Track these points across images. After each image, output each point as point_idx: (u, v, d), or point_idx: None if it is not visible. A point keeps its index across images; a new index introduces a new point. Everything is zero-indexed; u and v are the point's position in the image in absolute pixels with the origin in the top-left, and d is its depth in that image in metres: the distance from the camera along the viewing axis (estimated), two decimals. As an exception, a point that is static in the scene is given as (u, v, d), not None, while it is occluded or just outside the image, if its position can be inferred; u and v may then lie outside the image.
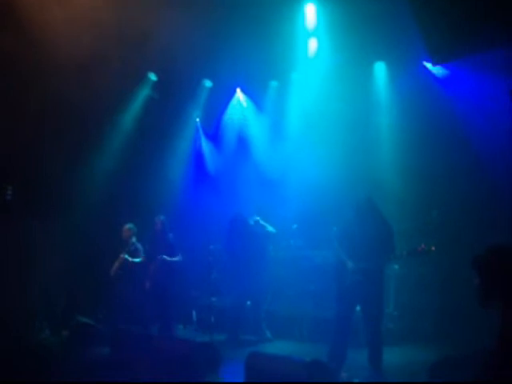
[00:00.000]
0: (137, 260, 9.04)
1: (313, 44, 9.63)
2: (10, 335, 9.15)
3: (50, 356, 8.27)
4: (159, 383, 5.72)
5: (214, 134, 12.05)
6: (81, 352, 7.73)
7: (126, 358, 6.84)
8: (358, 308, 6.49)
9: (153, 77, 10.68)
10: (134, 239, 9.18)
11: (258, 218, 8.96)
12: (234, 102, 11.65)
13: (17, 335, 9.19)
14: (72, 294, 9.89)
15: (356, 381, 5.76)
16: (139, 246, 9.18)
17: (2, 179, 9.65)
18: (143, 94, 10.76)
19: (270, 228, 9.02)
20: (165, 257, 8.87)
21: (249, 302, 9.05)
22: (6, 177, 9.61)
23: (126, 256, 9.01)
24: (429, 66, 8.91)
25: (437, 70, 8.88)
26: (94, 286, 9.85)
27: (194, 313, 10.20)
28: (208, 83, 11.15)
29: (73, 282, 10.01)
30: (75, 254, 10.02)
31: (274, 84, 10.89)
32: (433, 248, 5.99)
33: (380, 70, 9.60)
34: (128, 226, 9.22)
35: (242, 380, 5.41)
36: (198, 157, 12.09)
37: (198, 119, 11.99)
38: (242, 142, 11.51)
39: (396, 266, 8.26)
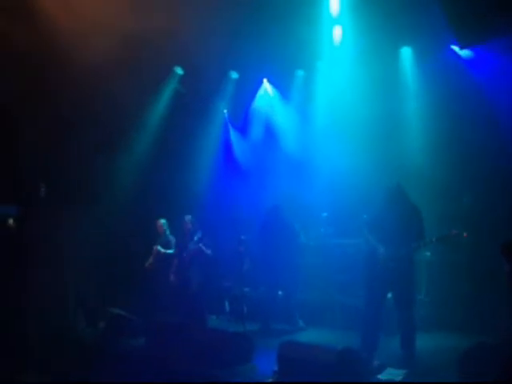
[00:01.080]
0: (170, 251, 9.23)
1: (338, 31, 9.56)
2: (46, 328, 9.38)
3: (88, 347, 8.47)
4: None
5: (242, 125, 12.08)
6: (116, 343, 7.89)
7: (160, 348, 6.97)
8: (389, 295, 6.49)
9: (179, 71, 10.74)
10: (167, 232, 9.40)
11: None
12: (260, 92, 11.65)
13: (53, 327, 9.41)
14: (105, 285, 10.07)
15: (389, 368, 5.76)
16: (172, 238, 9.38)
17: (36, 176, 9.86)
18: (170, 88, 10.84)
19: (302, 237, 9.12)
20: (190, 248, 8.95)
21: (280, 292, 9.09)
22: (38, 173, 9.82)
23: (159, 247, 9.22)
24: (456, 49, 8.77)
25: (464, 53, 8.73)
26: (128, 277, 10.02)
27: (226, 303, 10.29)
28: (234, 75, 11.16)
29: (106, 274, 10.19)
30: (107, 247, 10.19)
31: (300, 73, 10.86)
32: (465, 234, 5.96)
33: (406, 55, 9.49)
34: (161, 221, 9.46)
35: (275, 368, 5.48)
36: (227, 148, 12.16)
37: (225, 111, 12.04)
38: (270, 132, 11.52)
39: (428, 253, 8.20)
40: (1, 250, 9.11)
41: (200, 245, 8.96)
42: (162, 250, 9.24)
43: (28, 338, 9.23)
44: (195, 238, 8.97)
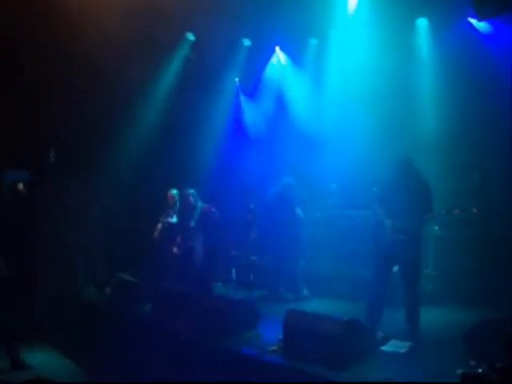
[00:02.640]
0: (174, 220, 9.20)
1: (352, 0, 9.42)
2: (54, 291, 9.51)
3: (95, 311, 8.59)
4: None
5: (253, 93, 11.99)
6: (123, 308, 7.99)
7: (166, 315, 7.05)
8: (395, 268, 6.50)
9: (191, 37, 10.63)
10: (177, 204, 9.32)
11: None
12: (273, 60, 11.54)
13: (61, 291, 9.54)
14: (114, 251, 10.16)
15: (393, 340, 5.80)
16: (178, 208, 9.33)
17: (46, 142, 9.89)
18: (181, 54, 10.75)
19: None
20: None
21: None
22: (48, 139, 9.84)
23: (166, 219, 9.22)
24: (473, 21, 8.60)
25: (482, 25, 8.56)
26: (136, 244, 10.09)
27: (233, 271, 10.36)
28: (247, 42, 11.05)
29: (114, 240, 10.27)
30: (116, 214, 10.25)
31: (313, 42, 10.73)
32: (474, 210, 5.92)
33: (422, 26, 9.32)
34: (173, 191, 9.35)
35: (280, 336, 5.53)
36: (238, 116, 12.10)
37: (237, 79, 11.95)
38: (282, 101, 11.44)
39: (436, 227, 8.19)
40: (11, 215, 9.16)
41: (210, 207, 8.92)
42: (170, 220, 9.23)
43: (38, 302, 9.39)
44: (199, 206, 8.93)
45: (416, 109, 9.05)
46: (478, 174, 8.32)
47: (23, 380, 2.06)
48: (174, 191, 9.38)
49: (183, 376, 6.13)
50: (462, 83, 8.36)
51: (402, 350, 5.52)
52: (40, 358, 7.63)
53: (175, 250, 9.09)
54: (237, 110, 12.06)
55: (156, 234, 9.48)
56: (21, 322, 7.38)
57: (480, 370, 2.74)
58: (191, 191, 9.06)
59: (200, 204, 8.93)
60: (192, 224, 8.95)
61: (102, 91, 9.23)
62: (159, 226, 9.42)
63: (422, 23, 9.32)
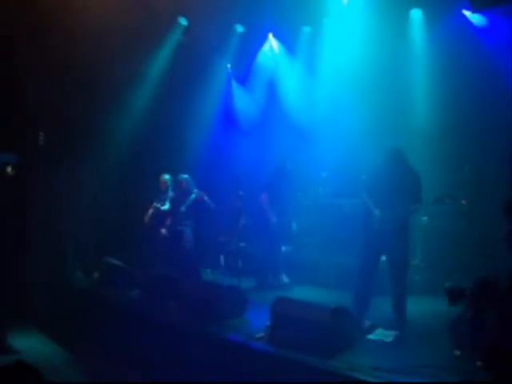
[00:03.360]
0: (166, 207, 9.18)
1: (347, -12, 9.39)
2: (43, 277, 9.48)
3: (83, 296, 8.58)
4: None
5: (245, 79, 11.95)
6: (111, 293, 7.99)
7: (154, 300, 7.05)
8: (383, 257, 6.53)
9: (183, 21, 10.55)
10: (170, 189, 9.28)
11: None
12: (265, 47, 11.49)
13: (50, 277, 9.51)
14: (103, 237, 10.12)
15: (379, 329, 5.84)
16: (171, 194, 9.29)
17: (35, 125, 9.81)
18: (173, 39, 10.66)
19: None
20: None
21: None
22: (38, 123, 9.76)
23: (158, 205, 9.18)
24: (467, 13, 8.60)
25: (475, 18, 8.57)
26: (125, 230, 10.07)
27: (221, 257, 10.37)
28: (240, 28, 10.98)
29: (103, 225, 10.23)
30: (105, 198, 10.21)
31: (306, 29, 10.69)
32: (463, 202, 5.95)
33: (416, 16, 9.32)
34: (166, 176, 9.31)
35: (267, 323, 5.55)
36: (229, 103, 12.06)
37: (229, 65, 11.89)
38: (274, 88, 11.41)
39: (425, 218, 8.23)
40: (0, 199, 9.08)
41: (203, 195, 8.90)
42: (161, 208, 9.20)
43: (26, 286, 9.35)
44: (194, 192, 8.90)
45: (408, 99, 9.08)
46: (470, 166, 8.36)
47: (5, 364, 2.05)
48: (167, 176, 9.34)
49: (170, 361, 6.16)
50: (455, 75, 8.39)
51: (389, 339, 5.56)
52: (28, 343, 7.62)
53: (163, 231, 9.08)
54: (228, 97, 12.01)
55: (146, 219, 9.47)
56: (9, 308, 7.36)
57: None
58: (185, 176, 9.04)
59: (195, 190, 8.91)
60: (183, 209, 8.93)
61: (92, 78, 9.13)
62: (150, 211, 9.40)
63: (416, 14, 9.32)
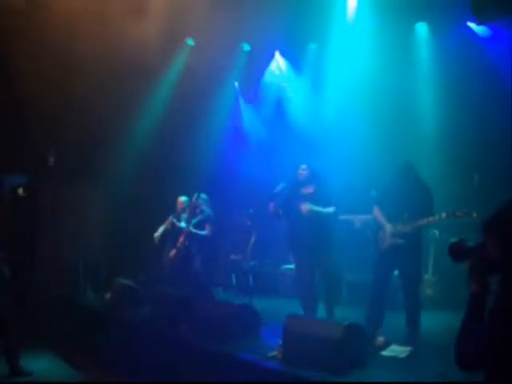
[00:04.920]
0: (182, 225, 9.13)
1: (352, 4, 9.43)
2: (54, 297, 9.50)
3: (94, 315, 8.58)
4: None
5: (253, 97, 12.01)
6: (122, 313, 7.98)
7: (167, 320, 7.04)
8: (396, 273, 6.49)
9: (191, 42, 10.65)
10: (186, 211, 9.20)
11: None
12: (272, 65, 11.56)
13: (61, 297, 9.54)
14: (114, 256, 10.14)
15: (393, 345, 5.78)
16: (186, 215, 9.24)
17: (45, 146, 9.90)
18: (181, 59, 10.75)
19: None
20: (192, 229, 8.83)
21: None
22: (47, 143, 9.85)
23: (174, 220, 9.09)
24: (472, 25, 8.61)
25: (481, 30, 8.58)
26: (137, 249, 10.08)
27: (233, 276, 10.36)
28: (246, 47, 11.06)
29: (115, 245, 10.26)
30: (117, 219, 10.25)
31: (312, 46, 10.74)
32: (474, 214, 5.89)
33: (422, 30, 9.35)
34: (183, 198, 9.25)
35: (280, 341, 5.51)
36: (237, 120, 12.11)
37: (236, 83, 11.96)
38: (281, 105, 11.46)
39: (436, 232, 8.17)
40: (11, 219, 9.15)
41: (190, 228, 8.75)
42: (177, 223, 9.12)
43: (38, 306, 9.38)
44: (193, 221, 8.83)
45: (416, 112, 9.06)
46: (479, 177, 8.31)
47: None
48: (184, 198, 9.27)
49: (182, 381, 6.12)
50: (461, 87, 8.38)
51: (402, 355, 5.50)
52: (40, 365, 7.61)
53: (172, 253, 9.00)
54: (236, 115, 12.07)
55: (156, 236, 9.40)
56: (21, 327, 7.37)
57: (470, 243, 2.71)
58: (203, 196, 8.95)
59: (207, 211, 8.85)
60: (191, 227, 8.87)
61: (100, 97, 9.21)
62: (161, 228, 9.32)
63: (422, 27, 9.34)
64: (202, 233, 8.73)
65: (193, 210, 8.87)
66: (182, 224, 9.03)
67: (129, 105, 10.04)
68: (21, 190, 10.57)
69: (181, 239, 8.86)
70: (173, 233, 9.20)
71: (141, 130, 10.42)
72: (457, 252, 2.74)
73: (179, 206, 9.24)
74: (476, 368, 2.53)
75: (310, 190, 7.11)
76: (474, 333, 2.47)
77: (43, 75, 8.62)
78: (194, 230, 8.68)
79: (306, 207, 6.88)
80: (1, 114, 9.14)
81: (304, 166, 7.22)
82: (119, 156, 10.15)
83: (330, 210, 7.04)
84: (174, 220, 9.10)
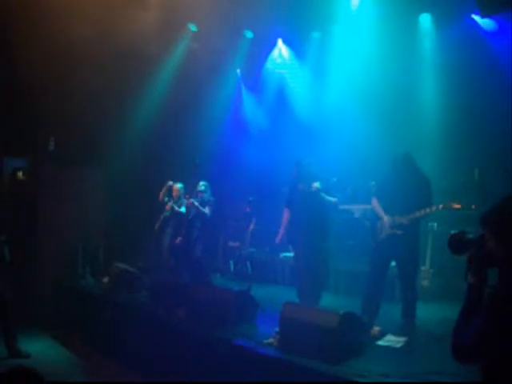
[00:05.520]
0: (182, 209, 9.16)
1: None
2: (53, 280, 9.54)
3: (92, 299, 8.61)
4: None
5: (255, 85, 11.99)
6: (120, 297, 8.01)
7: (165, 305, 7.07)
8: (393, 263, 6.52)
9: (193, 28, 10.62)
10: (183, 197, 9.27)
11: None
12: (275, 53, 11.53)
13: (60, 281, 9.58)
14: (113, 241, 10.17)
15: (389, 335, 5.83)
16: (185, 201, 9.28)
17: (45, 131, 9.89)
18: (183, 44, 10.72)
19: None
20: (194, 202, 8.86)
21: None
22: (48, 128, 9.85)
23: (174, 205, 9.16)
24: (477, 18, 8.57)
25: (485, 23, 8.54)
26: (136, 234, 10.11)
27: (231, 263, 10.40)
28: (249, 34, 11.02)
29: (114, 230, 10.29)
30: (116, 204, 10.26)
31: (315, 35, 10.70)
32: (473, 207, 5.91)
33: (425, 22, 9.31)
34: (178, 185, 9.33)
35: (276, 329, 5.55)
36: (238, 108, 12.10)
37: (238, 71, 11.94)
38: (283, 93, 11.44)
39: (434, 224, 8.19)
40: (11, 203, 9.16)
41: (193, 201, 8.80)
42: (176, 208, 9.18)
43: (37, 289, 9.42)
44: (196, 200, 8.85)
45: (417, 104, 9.05)
46: (479, 171, 8.32)
47: (6, 369, 2.05)
48: (180, 185, 9.34)
49: (178, 365, 6.17)
50: (464, 80, 8.36)
51: (398, 345, 5.54)
52: (38, 347, 7.68)
53: (178, 240, 9.05)
54: (238, 102, 12.05)
55: (157, 225, 9.47)
56: (19, 309, 7.43)
57: (471, 236, 2.73)
58: (202, 183, 8.98)
59: (207, 194, 8.89)
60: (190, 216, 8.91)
61: (102, 83, 9.19)
62: (161, 216, 9.40)
63: (425, 18, 9.30)
64: (204, 210, 8.79)
65: (195, 194, 8.92)
66: (183, 209, 9.08)
67: (130, 90, 10.03)
68: (20, 174, 10.57)
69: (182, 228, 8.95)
70: (173, 219, 9.26)
71: (142, 115, 10.40)
72: (457, 244, 2.76)
73: (175, 194, 9.32)
74: (472, 360, 2.55)
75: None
76: (470, 324, 2.49)
77: (45, 60, 8.62)
78: (196, 203, 8.76)
79: (315, 185, 7.15)
80: (3, 98, 9.14)
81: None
82: (120, 142, 10.15)
83: (333, 199, 7.35)
84: (174, 205, 9.15)
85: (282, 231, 7.55)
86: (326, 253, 7.32)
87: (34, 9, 8.22)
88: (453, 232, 2.83)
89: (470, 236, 2.72)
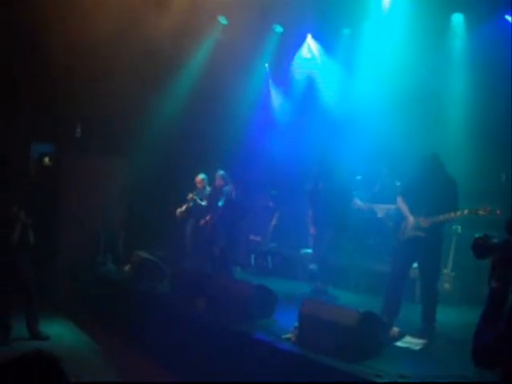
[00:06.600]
0: (203, 203, 9.21)
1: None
2: (73, 266, 9.67)
3: (114, 288, 8.71)
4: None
5: (283, 80, 11.96)
6: (142, 287, 8.09)
7: (185, 295, 7.12)
8: (415, 264, 6.48)
9: (223, 20, 10.62)
10: (207, 188, 9.32)
11: None
12: (304, 48, 11.48)
13: (82, 267, 9.69)
14: (135, 230, 10.26)
15: (407, 336, 5.80)
16: (208, 191, 9.33)
17: (73, 118, 10.00)
18: (213, 37, 10.74)
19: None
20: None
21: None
22: (76, 116, 9.96)
23: (196, 197, 9.21)
24: (510, 19, 8.44)
25: (520, 23, 8.41)
26: (158, 223, 10.18)
27: (252, 256, 10.41)
28: (279, 28, 10.99)
29: (136, 218, 10.37)
30: (139, 192, 10.34)
31: (345, 31, 10.63)
32: (498, 211, 5.84)
33: (458, 21, 9.18)
34: (202, 176, 9.35)
35: (295, 324, 5.55)
36: (266, 102, 12.08)
37: (266, 65, 11.92)
38: (311, 89, 11.39)
39: (458, 227, 8.10)
40: (36, 188, 9.31)
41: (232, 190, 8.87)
42: (198, 200, 9.24)
43: (58, 273, 9.56)
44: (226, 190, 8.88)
45: (446, 105, 8.94)
46: (506, 174, 8.20)
47: (24, 352, 2.09)
48: (202, 175, 9.36)
49: (195, 357, 6.21)
50: (495, 81, 8.23)
51: (416, 347, 5.51)
52: (57, 330, 7.80)
53: (202, 222, 9.09)
54: (265, 97, 12.04)
55: (178, 212, 9.50)
56: (41, 293, 7.55)
57: (495, 240, 2.70)
58: (222, 173, 9.02)
59: (227, 187, 8.91)
60: (220, 204, 8.93)
61: (129, 75, 9.26)
62: (184, 206, 9.44)
63: (458, 18, 9.18)
64: (202, 203, 9.16)
65: (218, 190, 8.96)
66: (203, 203, 9.14)
67: (158, 80, 10.09)
68: (47, 159, 10.71)
69: (207, 217, 8.99)
70: (196, 211, 9.31)
71: (168, 105, 10.46)
72: (480, 248, 2.73)
73: (199, 185, 9.33)
74: (492, 364, 2.53)
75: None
76: (491, 329, 2.47)
77: (74, 51, 8.73)
78: (196, 198, 9.17)
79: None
80: (34, 86, 9.27)
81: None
82: (144, 132, 10.22)
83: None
84: (196, 197, 9.19)
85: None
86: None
87: (65, 8, 8.34)
88: (477, 235, 2.79)
89: (495, 240, 2.68)
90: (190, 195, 9.29)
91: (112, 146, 10.22)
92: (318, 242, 8.24)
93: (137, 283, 8.27)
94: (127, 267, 8.90)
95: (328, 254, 8.10)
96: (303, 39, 11.33)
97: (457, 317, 6.89)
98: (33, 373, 2.03)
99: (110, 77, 9.25)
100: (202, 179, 9.37)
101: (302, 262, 9.69)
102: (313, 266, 8.48)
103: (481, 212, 5.84)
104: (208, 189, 9.31)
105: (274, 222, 10.41)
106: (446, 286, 7.70)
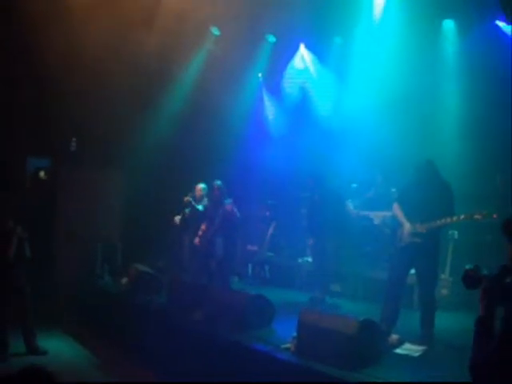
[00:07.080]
0: (200, 207, 9.14)
1: (379, -1, 9.37)
2: (72, 280, 9.63)
3: (110, 300, 8.67)
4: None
5: (276, 89, 11.99)
6: (140, 300, 8.05)
7: (183, 307, 7.09)
8: (412, 271, 6.47)
9: (216, 31, 10.66)
10: (205, 198, 9.26)
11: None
12: (297, 57, 11.52)
13: (79, 280, 9.66)
14: (132, 242, 10.24)
15: (407, 343, 5.78)
16: (206, 202, 9.27)
17: (68, 132, 10.01)
18: (205, 48, 10.78)
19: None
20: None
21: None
22: (71, 129, 9.97)
23: (192, 200, 9.13)
24: (501, 24, 8.49)
25: (510, 29, 8.45)
26: (155, 235, 10.16)
27: (249, 266, 10.40)
28: (271, 38, 11.03)
29: (133, 230, 10.35)
30: (136, 204, 10.33)
31: (338, 40, 10.67)
32: (494, 216, 5.83)
33: (449, 28, 9.24)
34: (201, 185, 9.31)
35: (294, 334, 5.53)
36: (260, 112, 12.11)
37: (260, 74, 11.95)
38: (304, 98, 11.42)
39: (455, 232, 8.11)
40: (32, 202, 9.29)
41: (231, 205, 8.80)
42: (194, 204, 9.15)
43: (56, 287, 9.51)
44: (228, 201, 8.82)
45: (439, 110, 8.97)
46: (500, 177, 8.22)
47: (19, 368, 2.07)
48: (203, 185, 9.31)
49: (194, 368, 6.18)
50: (486, 86, 8.27)
51: (416, 354, 5.49)
52: (55, 345, 7.75)
53: (197, 241, 9.03)
54: (259, 106, 12.06)
55: (178, 219, 9.44)
56: (38, 307, 7.52)
57: (485, 272, 2.79)
58: (218, 183, 8.96)
59: (226, 201, 8.85)
60: (216, 221, 8.87)
61: (123, 84, 9.28)
62: (181, 213, 9.40)
63: (449, 25, 9.23)
64: (198, 207, 9.11)
65: (215, 200, 8.91)
66: (200, 206, 9.08)
67: (152, 93, 10.11)
68: (42, 173, 10.70)
69: (203, 227, 8.94)
70: (193, 218, 9.24)
71: (162, 117, 10.47)
72: (471, 279, 2.83)
73: (198, 194, 9.29)
74: (487, 380, 2.59)
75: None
76: (482, 351, 2.55)
77: (68, 65, 8.75)
78: (192, 201, 9.12)
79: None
80: (28, 101, 9.29)
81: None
82: (140, 144, 10.22)
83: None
84: (192, 200, 9.12)
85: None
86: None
87: (62, 21, 8.39)
88: (467, 267, 2.88)
89: (484, 272, 2.79)
90: (186, 198, 9.21)
91: (107, 158, 10.22)
92: (316, 253, 8.25)
93: (134, 296, 8.24)
94: (124, 280, 8.86)
95: (333, 265, 8.24)
96: (296, 48, 11.38)
97: (455, 322, 6.88)
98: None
99: (105, 90, 9.27)
100: (202, 188, 9.33)
101: (299, 271, 9.68)
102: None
103: (476, 216, 5.84)
104: (206, 200, 9.23)
105: (270, 231, 10.39)
106: (444, 291, 7.69)
